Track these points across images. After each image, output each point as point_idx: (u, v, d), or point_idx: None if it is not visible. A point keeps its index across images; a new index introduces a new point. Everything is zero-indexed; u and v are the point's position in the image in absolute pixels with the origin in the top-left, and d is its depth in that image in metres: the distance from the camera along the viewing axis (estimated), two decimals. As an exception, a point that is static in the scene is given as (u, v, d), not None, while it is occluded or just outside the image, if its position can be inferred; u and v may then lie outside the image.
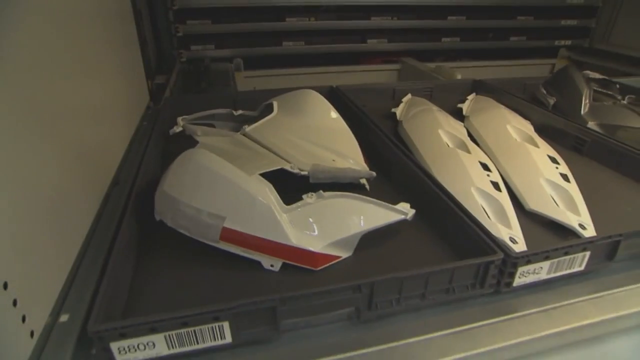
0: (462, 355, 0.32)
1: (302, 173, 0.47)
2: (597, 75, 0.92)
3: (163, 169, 0.46)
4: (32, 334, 0.29)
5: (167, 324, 0.29)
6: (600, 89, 0.84)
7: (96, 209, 0.45)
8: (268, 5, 1.14)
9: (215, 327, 0.30)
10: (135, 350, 0.30)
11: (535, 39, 1.39)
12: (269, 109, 0.61)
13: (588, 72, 0.95)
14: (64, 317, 0.32)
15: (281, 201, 0.40)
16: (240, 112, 0.65)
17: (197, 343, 0.31)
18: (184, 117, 0.63)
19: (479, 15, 1.30)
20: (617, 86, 0.86)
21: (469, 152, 0.56)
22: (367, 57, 1.32)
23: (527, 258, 0.37)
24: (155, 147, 0.57)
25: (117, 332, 0.28)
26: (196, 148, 0.44)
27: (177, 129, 0.62)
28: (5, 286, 0.27)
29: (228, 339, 0.31)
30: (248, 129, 0.56)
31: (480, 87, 0.90)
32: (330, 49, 1.24)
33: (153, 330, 0.29)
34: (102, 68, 0.54)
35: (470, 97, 0.83)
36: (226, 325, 0.31)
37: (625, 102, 0.79)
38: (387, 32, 1.28)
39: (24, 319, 0.29)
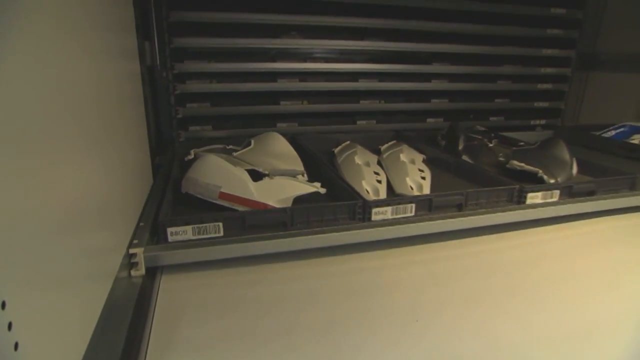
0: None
1: (265, 172, 0.82)
2: (481, 128, 1.32)
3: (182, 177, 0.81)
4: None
5: (193, 219, 0.63)
6: (477, 136, 1.23)
7: (147, 193, 0.80)
8: (264, 90, 1.25)
9: (216, 225, 0.64)
10: (177, 234, 0.63)
11: (512, 119, 1.53)
12: (249, 144, 0.98)
13: (478, 126, 1.36)
14: (142, 223, 0.66)
15: (251, 179, 0.75)
16: (230, 146, 1.01)
17: (207, 233, 0.64)
18: (195, 149, 0.99)
19: (460, 99, 1.44)
20: (492, 135, 1.25)
21: (369, 166, 0.93)
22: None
23: (376, 202, 0.71)
24: (178, 165, 0.93)
25: (172, 221, 0.62)
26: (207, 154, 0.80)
27: (190, 157, 0.98)
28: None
29: (221, 233, 0.65)
30: (235, 154, 0.92)
31: (401, 136, 1.29)
32: (321, 130, 1.32)
33: (187, 223, 0.63)
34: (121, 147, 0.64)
35: (390, 142, 1.21)
36: (220, 225, 0.64)
37: (491, 144, 1.18)
38: (375, 114, 1.38)
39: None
